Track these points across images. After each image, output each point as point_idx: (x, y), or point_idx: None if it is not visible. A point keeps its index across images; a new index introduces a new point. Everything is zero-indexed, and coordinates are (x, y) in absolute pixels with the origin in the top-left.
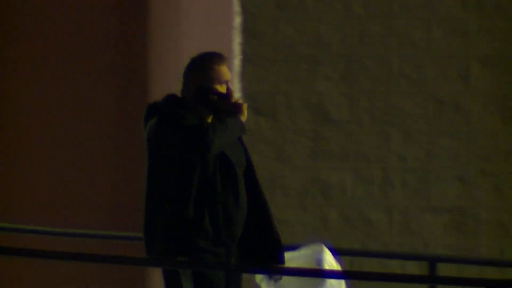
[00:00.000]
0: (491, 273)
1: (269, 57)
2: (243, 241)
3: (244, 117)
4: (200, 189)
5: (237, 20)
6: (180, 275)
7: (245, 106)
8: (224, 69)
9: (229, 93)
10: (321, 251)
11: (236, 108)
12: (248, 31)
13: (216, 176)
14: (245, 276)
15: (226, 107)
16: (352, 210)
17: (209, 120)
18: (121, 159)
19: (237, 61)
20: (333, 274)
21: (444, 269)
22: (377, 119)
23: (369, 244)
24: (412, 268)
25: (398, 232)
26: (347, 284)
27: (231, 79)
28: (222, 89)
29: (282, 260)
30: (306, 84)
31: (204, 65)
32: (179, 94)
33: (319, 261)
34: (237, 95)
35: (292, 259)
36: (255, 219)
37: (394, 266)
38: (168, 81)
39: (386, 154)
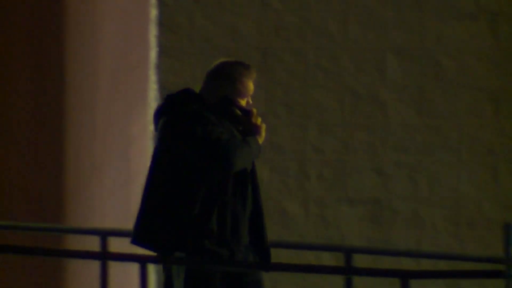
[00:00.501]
0: (406, 264)
1: (185, 49)
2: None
3: (261, 139)
4: (209, 189)
5: (153, 13)
6: (173, 276)
7: (263, 127)
8: (251, 84)
9: (251, 111)
10: None
11: (256, 129)
12: (164, 24)
13: (228, 178)
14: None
15: (246, 125)
16: (268, 202)
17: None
18: (37, 156)
19: (153, 54)
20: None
21: (360, 260)
22: (293, 111)
23: (285, 236)
24: (328, 259)
25: (314, 224)
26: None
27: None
28: (243, 102)
29: (267, 268)
30: None
31: (235, 77)
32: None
33: None
34: (256, 112)
35: None
36: (250, 222)
37: (311, 258)
38: (83, 75)
39: (302, 146)
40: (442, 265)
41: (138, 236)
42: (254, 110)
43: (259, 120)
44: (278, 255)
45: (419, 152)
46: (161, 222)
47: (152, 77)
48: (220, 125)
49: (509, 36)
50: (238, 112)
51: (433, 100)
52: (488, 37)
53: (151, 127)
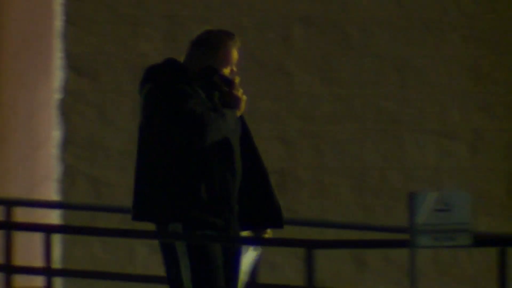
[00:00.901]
0: (311, 234)
1: (90, 18)
2: (243, 209)
3: (240, 112)
4: (195, 159)
5: None
6: (176, 250)
7: (243, 99)
8: (235, 53)
9: (232, 82)
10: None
11: (235, 101)
12: None
13: (211, 147)
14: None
15: (226, 96)
16: None
17: (217, 99)
18: None
19: (58, 22)
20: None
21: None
22: None
23: None
24: None
25: None
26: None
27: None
28: (226, 71)
29: (281, 225)
30: (128, 45)
31: (218, 45)
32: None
33: None
34: (238, 83)
35: None
36: (255, 186)
37: None
38: None
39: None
40: (347, 235)
41: (135, 212)
42: (237, 80)
43: (240, 92)
44: None
45: (324, 121)
46: (152, 195)
47: (58, 45)
48: (196, 96)
49: (414, 4)
50: (219, 80)
51: (338, 69)
52: (393, 6)
53: (56, 96)
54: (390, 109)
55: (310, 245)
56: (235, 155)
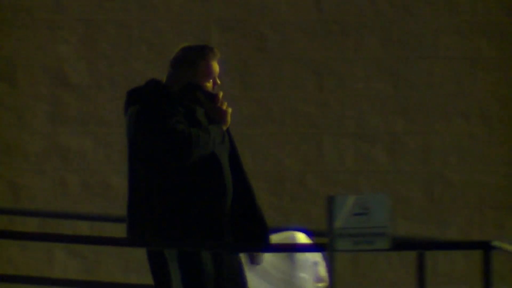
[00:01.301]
0: None
1: (8, 21)
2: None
3: (226, 126)
4: (182, 179)
5: None
6: (168, 264)
7: (229, 112)
8: (215, 65)
9: (216, 96)
10: (294, 238)
11: (220, 115)
12: None
13: (198, 164)
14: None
15: (211, 110)
16: (92, 175)
17: (200, 115)
18: None
19: None
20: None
21: None
22: (117, 84)
23: (109, 209)
24: None
25: None
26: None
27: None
28: (209, 85)
29: (267, 241)
30: (45, 48)
31: (195, 60)
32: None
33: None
34: (221, 97)
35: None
36: (240, 202)
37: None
38: None
39: (123, 119)
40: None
41: (131, 233)
42: (220, 94)
43: (224, 105)
44: (103, 229)
45: (242, 124)
46: (144, 220)
47: None
48: (177, 115)
49: (332, 8)
50: (202, 96)
51: (257, 72)
52: (311, 10)
53: None
54: (309, 112)
55: (232, 248)
56: (224, 171)
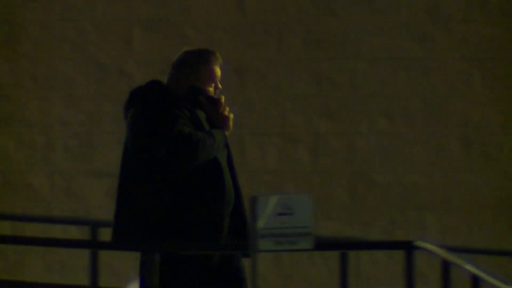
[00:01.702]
0: None
1: None
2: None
3: (228, 131)
4: (183, 184)
5: None
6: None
7: (231, 118)
8: (217, 70)
9: (218, 101)
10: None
11: (222, 120)
12: None
13: (200, 168)
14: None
15: (213, 115)
16: (14, 175)
17: (202, 119)
18: None
19: None
20: None
21: (106, 234)
22: (39, 83)
23: (31, 209)
24: (75, 233)
25: (61, 197)
26: None
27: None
28: (211, 89)
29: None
30: None
31: (199, 65)
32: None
33: None
34: (223, 101)
35: None
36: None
37: (57, 231)
38: None
39: (48, 119)
40: None
41: (117, 237)
42: (222, 99)
43: (226, 110)
44: (24, 229)
45: None
46: (135, 223)
47: None
48: (183, 117)
49: (254, 8)
50: (205, 101)
51: None
52: (233, 9)
53: None
54: (232, 112)
55: (152, 249)
56: (225, 175)
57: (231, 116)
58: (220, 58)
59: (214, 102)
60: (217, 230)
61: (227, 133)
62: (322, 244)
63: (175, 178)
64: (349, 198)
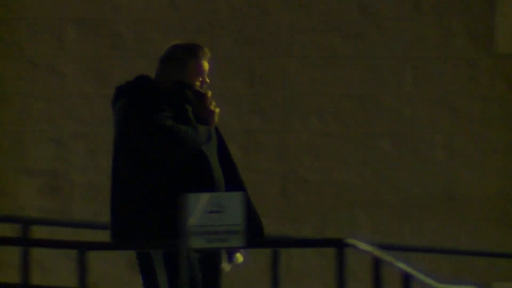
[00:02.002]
0: (85, 235)
1: None
2: None
3: (213, 125)
4: (169, 177)
5: None
6: (154, 264)
7: (216, 112)
8: (204, 64)
9: (205, 95)
10: None
11: (208, 115)
12: None
13: (186, 163)
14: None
15: (199, 109)
16: None
17: (189, 113)
18: None
19: None
20: None
21: (39, 232)
22: None
23: None
24: (6, 230)
25: None
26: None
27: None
28: (198, 83)
29: (262, 227)
30: None
31: (187, 59)
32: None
33: None
34: (210, 96)
35: None
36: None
37: None
38: None
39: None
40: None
41: (115, 233)
42: (209, 94)
43: (212, 105)
44: None
45: (97, 122)
46: (129, 218)
47: None
48: (167, 111)
49: (187, 6)
50: (192, 96)
51: (111, 70)
52: (166, 7)
53: None
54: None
55: (83, 247)
56: (214, 170)
57: (217, 110)
58: (208, 52)
59: (200, 97)
60: None
61: (212, 127)
62: (253, 242)
63: (163, 173)
64: (280, 196)
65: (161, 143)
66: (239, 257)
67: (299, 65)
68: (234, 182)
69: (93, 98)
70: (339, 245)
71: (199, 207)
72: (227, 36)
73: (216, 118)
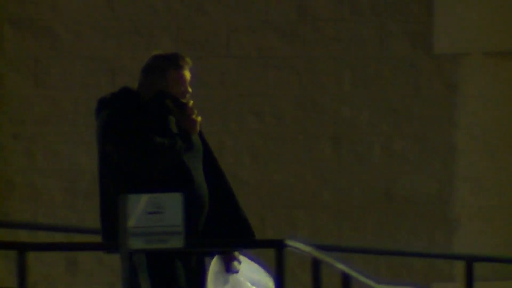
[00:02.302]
0: (23, 236)
1: None
2: (212, 228)
3: (194, 134)
4: (148, 187)
5: None
6: (138, 274)
7: (198, 121)
8: (185, 73)
9: (186, 105)
10: None
11: (189, 124)
12: None
13: (166, 172)
14: None
15: (180, 118)
16: None
17: (171, 123)
18: None
19: None
20: None
21: None
22: None
23: None
24: None
25: None
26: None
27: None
28: (179, 93)
29: (252, 233)
30: None
31: (165, 68)
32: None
33: None
34: (191, 105)
35: None
36: (221, 206)
37: None
38: None
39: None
40: (60, 237)
41: (105, 237)
42: (190, 103)
43: (194, 114)
44: None
45: (35, 123)
46: (111, 226)
47: None
48: (148, 122)
49: (124, 7)
50: (172, 106)
51: (49, 71)
52: (103, 8)
53: None
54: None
55: (22, 247)
56: (196, 179)
57: (199, 119)
58: (190, 62)
59: (181, 106)
60: (191, 233)
61: (193, 136)
62: (192, 243)
63: (144, 183)
64: None
65: (135, 158)
66: (236, 265)
67: (237, 65)
68: (220, 188)
69: (32, 99)
70: (279, 246)
71: (138, 208)
72: (165, 37)
73: (198, 127)
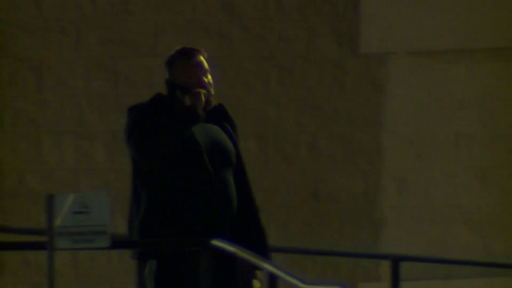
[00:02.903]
0: None
1: None
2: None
3: (200, 105)
4: (165, 187)
5: None
6: (145, 273)
7: (202, 92)
8: (195, 63)
9: (190, 89)
10: None
11: (195, 98)
12: None
13: (183, 171)
14: None
15: (187, 99)
16: None
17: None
18: None
19: None
20: None
21: None
22: None
23: None
24: None
25: None
26: None
27: (205, 70)
28: (191, 82)
29: (267, 255)
30: None
31: (175, 60)
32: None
33: None
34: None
35: None
36: (241, 214)
37: None
38: None
39: None
40: None
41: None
42: (199, 90)
43: (197, 89)
44: None
45: None
46: (132, 230)
47: None
48: (158, 116)
49: (51, 6)
50: (178, 93)
51: None
52: (30, 7)
53: None
54: (27, 110)
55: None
56: (220, 185)
57: (202, 91)
58: (204, 52)
59: (186, 90)
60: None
61: (199, 109)
62: (118, 243)
63: (157, 182)
64: None
65: (147, 139)
66: (256, 283)
67: (164, 65)
68: (245, 205)
69: None
70: (204, 246)
71: (64, 208)
72: (91, 36)
73: (203, 98)
